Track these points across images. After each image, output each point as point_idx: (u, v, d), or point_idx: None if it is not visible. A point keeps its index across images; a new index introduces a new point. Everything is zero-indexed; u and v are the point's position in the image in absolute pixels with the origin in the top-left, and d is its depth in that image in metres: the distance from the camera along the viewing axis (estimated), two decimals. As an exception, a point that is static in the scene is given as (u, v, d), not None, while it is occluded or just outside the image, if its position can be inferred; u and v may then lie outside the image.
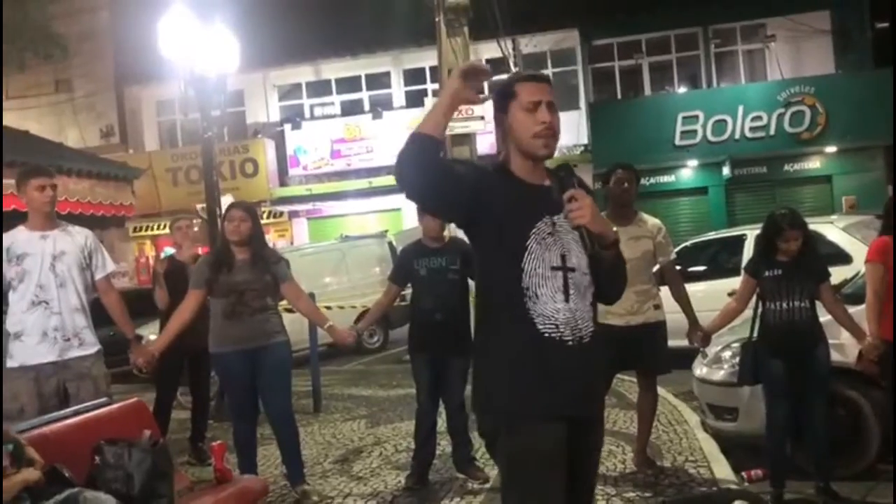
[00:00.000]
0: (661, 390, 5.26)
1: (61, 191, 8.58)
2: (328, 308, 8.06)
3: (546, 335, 2.28)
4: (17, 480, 2.80)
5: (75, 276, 4.36)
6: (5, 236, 4.35)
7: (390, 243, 13.81)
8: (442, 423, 5.13)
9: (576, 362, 2.30)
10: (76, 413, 3.72)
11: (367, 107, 19.66)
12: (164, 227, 19.04)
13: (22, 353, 4.22)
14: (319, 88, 20.17)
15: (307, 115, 20.06)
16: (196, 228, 6.46)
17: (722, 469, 4.84)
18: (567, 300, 2.31)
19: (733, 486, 4.52)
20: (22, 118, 17.22)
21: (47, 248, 4.30)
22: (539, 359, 2.27)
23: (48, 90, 20.04)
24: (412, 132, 2.25)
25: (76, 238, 4.44)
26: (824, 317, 4.38)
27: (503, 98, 2.40)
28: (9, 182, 8.36)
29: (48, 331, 4.25)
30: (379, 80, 19.87)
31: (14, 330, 4.25)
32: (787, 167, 17.05)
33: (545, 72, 18.58)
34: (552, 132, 2.35)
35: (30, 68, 14.62)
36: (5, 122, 13.52)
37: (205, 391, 6.36)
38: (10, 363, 4.26)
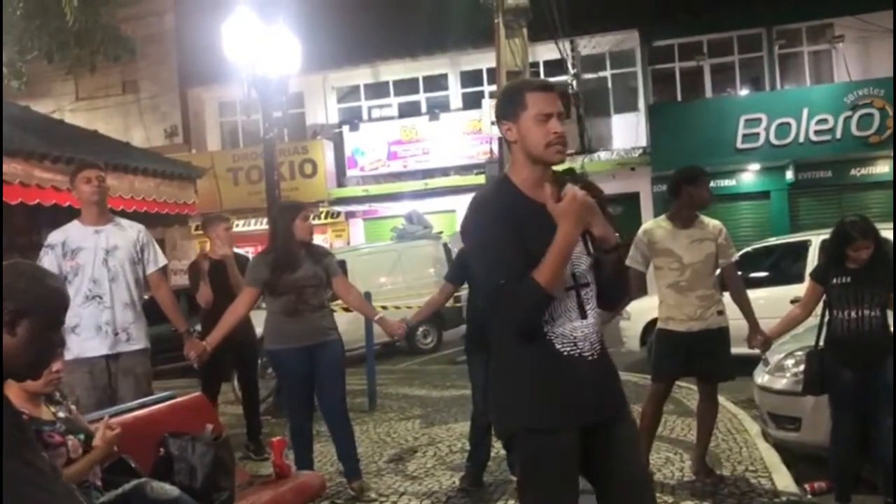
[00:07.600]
0: (720, 398, 5.15)
1: (128, 189, 8.89)
2: (384, 307, 8.12)
3: (565, 354, 2.31)
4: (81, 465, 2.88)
5: (127, 270, 4.41)
6: (60, 231, 4.44)
7: (445, 244, 13.87)
8: (497, 425, 5.12)
9: (595, 373, 2.34)
10: (142, 406, 3.82)
11: (424, 109, 19.72)
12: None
13: (77, 347, 4.29)
14: (377, 90, 20.31)
15: (365, 116, 20.21)
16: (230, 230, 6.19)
17: (783, 480, 4.71)
18: (584, 316, 2.35)
19: (797, 498, 4.40)
20: (91, 119, 17.79)
21: (100, 242, 4.36)
22: (558, 376, 2.30)
23: (116, 91, 20.62)
24: (541, 289, 2.17)
25: (128, 233, 4.50)
26: (896, 327, 4.24)
27: (512, 106, 2.35)
28: (61, 179, 8.64)
29: (101, 324, 4.32)
30: (436, 83, 19.93)
31: (71, 324, 4.29)
32: (853, 171, 16.51)
33: (604, 73, 18.44)
34: (563, 140, 2.35)
35: (99, 70, 15.02)
36: (77, 122, 13.98)
37: (253, 384, 6.27)
38: (67, 356, 4.36)
